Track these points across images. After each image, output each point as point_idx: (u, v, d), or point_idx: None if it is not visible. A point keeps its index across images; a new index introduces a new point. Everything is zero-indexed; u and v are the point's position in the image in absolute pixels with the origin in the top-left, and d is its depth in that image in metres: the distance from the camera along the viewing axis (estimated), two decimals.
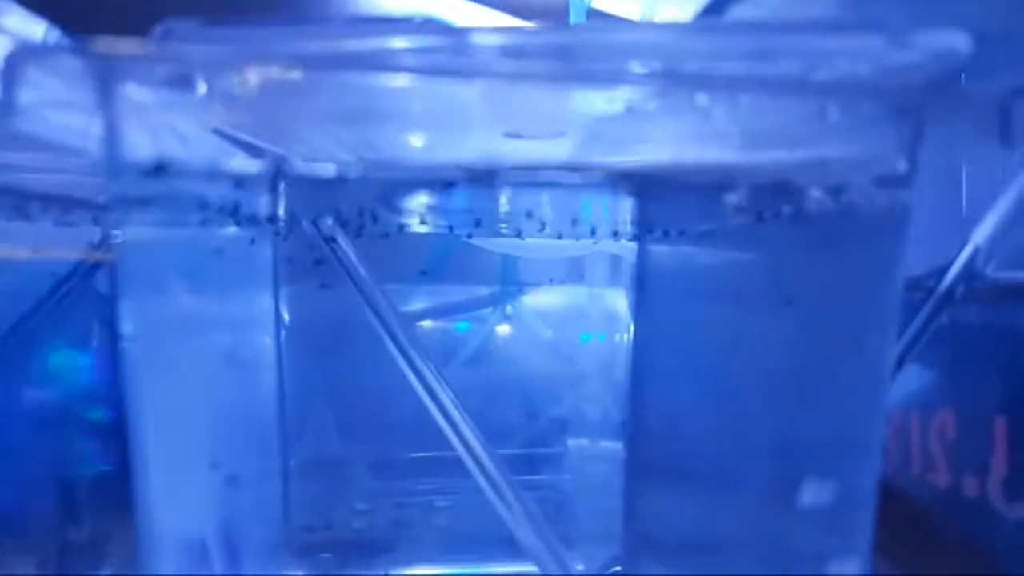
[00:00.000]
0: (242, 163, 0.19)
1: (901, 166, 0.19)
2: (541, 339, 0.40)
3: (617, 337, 0.39)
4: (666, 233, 0.32)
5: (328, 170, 0.19)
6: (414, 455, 0.38)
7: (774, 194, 0.21)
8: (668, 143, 0.19)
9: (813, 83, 0.18)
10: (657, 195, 0.27)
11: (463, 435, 0.28)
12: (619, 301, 0.39)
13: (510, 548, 0.36)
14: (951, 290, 0.28)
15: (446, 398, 0.28)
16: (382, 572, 0.36)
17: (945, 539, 0.33)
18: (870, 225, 0.21)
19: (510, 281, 0.40)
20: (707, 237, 0.31)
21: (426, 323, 0.41)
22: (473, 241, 0.37)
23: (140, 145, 0.19)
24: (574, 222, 0.32)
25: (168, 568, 0.24)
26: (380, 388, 0.37)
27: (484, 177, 0.20)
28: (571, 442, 0.39)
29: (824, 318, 0.25)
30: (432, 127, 0.19)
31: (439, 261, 0.38)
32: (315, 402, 0.37)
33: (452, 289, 0.41)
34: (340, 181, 0.23)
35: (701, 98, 0.17)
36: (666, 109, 0.18)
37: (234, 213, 0.26)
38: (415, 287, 0.39)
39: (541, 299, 0.41)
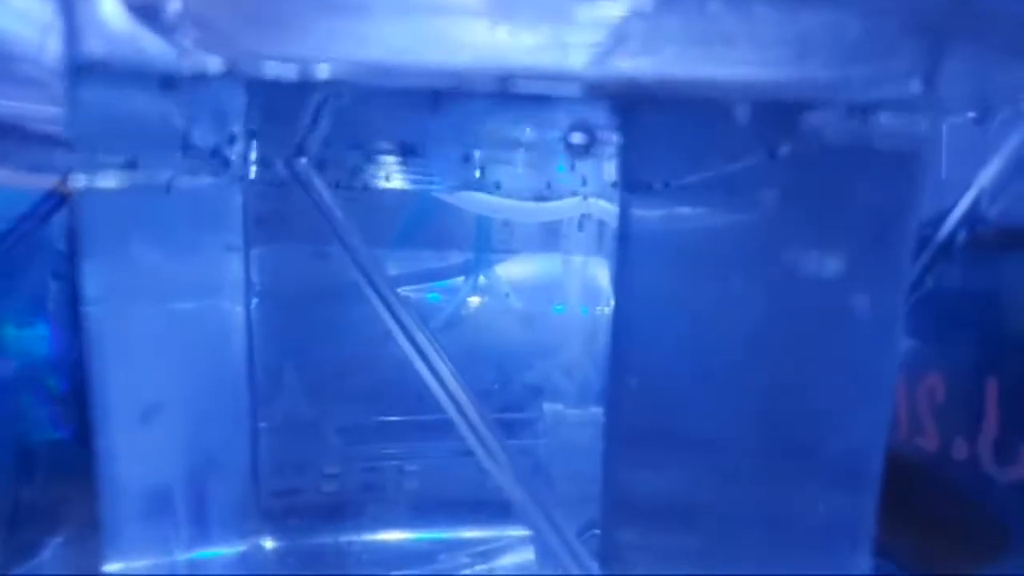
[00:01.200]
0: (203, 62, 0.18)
1: (918, 87, 0.18)
2: (514, 308, 0.39)
3: (597, 309, 0.38)
4: (650, 186, 0.31)
5: (291, 71, 0.18)
6: (384, 419, 0.37)
7: (782, 120, 0.20)
8: (674, 51, 0.18)
9: None
10: (652, 131, 0.26)
11: (444, 382, 0.28)
12: (599, 271, 0.38)
13: (480, 512, 0.36)
14: (953, 236, 0.27)
15: (430, 350, 0.28)
16: (351, 537, 0.35)
17: (934, 502, 0.32)
18: (885, 158, 0.20)
19: (485, 248, 0.39)
20: (696, 190, 0.30)
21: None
22: (451, 199, 0.36)
23: (99, 46, 0.18)
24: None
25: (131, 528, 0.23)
26: (351, 351, 0.36)
27: (475, 84, 0.19)
28: (546, 406, 0.38)
29: (831, 270, 0.24)
30: (412, 27, 0.18)
31: (413, 225, 0.37)
32: (285, 365, 0.36)
33: (426, 255, 0.40)
34: (310, 95, 0.22)
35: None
36: (674, 10, 0.17)
37: (194, 146, 0.25)
38: (388, 252, 0.38)
39: (516, 268, 0.40)
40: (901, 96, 0.18)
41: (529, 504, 0.27)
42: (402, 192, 0.35)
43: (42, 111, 0.28)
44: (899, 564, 0.33)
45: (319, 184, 0.27)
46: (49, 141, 0.31)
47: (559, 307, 0.39)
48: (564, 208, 0.37)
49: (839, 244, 0.22)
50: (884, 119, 0.19)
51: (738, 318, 0.29)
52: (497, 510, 0.36)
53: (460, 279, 0.40)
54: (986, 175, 0.27)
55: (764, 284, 0.27)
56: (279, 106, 0.25)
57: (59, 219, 0.33)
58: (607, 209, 0.37)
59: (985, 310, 0.31)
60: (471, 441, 0.27)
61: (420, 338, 0.28)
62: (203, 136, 0.26)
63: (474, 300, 0.39)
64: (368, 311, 0.36)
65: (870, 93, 0.19)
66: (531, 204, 0.37)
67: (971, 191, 0.27)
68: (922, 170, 0.19)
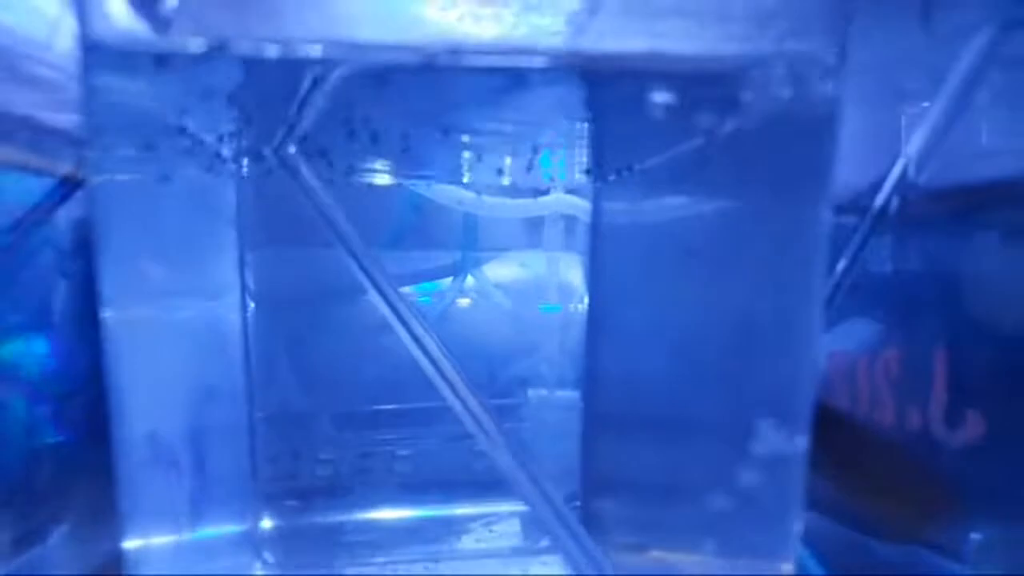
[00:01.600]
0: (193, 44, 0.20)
1: (830, 58, 0.21)
2: (499, 305, 0.41)
3: (572, 306, 0.40)
4: (619, 172, 0.34)
5: (272, 50, 0.20)
6: (375, 408, 0.38)
7: (721, 95, 0.23)
8: (623, 25, 0.20)
9: None
10: (615, 115, 0.28)
11: (442, 370, 0.29)
12: (573, 268, 0.40)
13: (468, 491, 0.38)
14: (886, 204, 0.29)
15: (427, 339, 0.29)
16: (344, 517, 0.37)
17: (891, 468, 0.34)
18: (804, 121, 0.22)
19: (471, 247, 0.41)
20: (654, 175, 0.32)
21: None
22: (428, 192, 0.38)
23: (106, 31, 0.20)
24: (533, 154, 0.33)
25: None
26: (342, 346, 0.38)
27: (442, 58, 0.21)
28: (530, 392, 0.40)
29: (760, 237, 0.26)
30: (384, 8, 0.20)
31: (399, 226, 0.39)
32: (280, 358, 0.37)
33: (414, 255, 0.42)
34: (295, 77, 0.24)
35: None
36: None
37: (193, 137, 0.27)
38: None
39: (501, 267, 0.42)
40: (815, 63, 0.21)
41: (524, 479, 0.28)
42: (385, 192, 0.37)
43: (51, 105, 0.30)
44: (859, 527, 0.36)
45: (308, 174, 0.28)
46: (59, 135, 0.33)
47: (544, 306, 0.41)
48: (541, 205, 0.39)
49: (766, 209, 0.25)
50: (801, 86, 0.22)
51: (690, 301, 0.32)
52: (483, 489, 0.38)
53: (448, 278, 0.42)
54: (913, 144, 0.29)
55: (712, 263, 0.29)
56: (267, 94, 0.27)
57: (66, 218, 0.34)
58: (581, 206, 0.39)
59: (930, 285, 0.32)
60: (469, 424, 0.28)
61: (417, 328, 0.29)
62: (198, 127, 0.28)
63: (462, 300, 0.41)
64: (358, 306, 0.38)
65: (788, 63, 0.21)
66: (508, 200, 0.39)
67: (899, 160, 0.30)
68: (836, 130, 0.22)
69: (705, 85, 0.23)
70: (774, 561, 0.26)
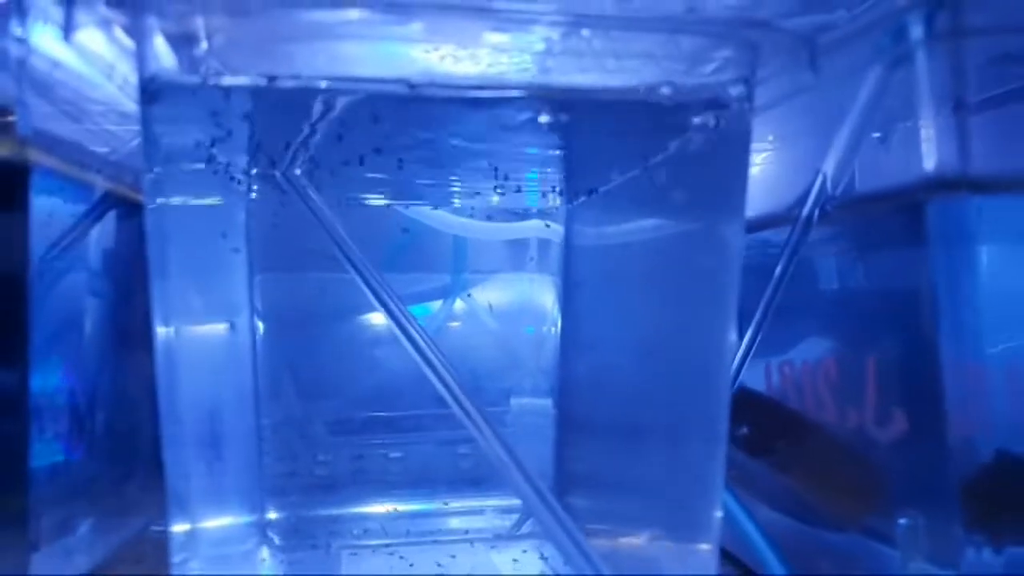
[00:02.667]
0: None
1: (743, 91, 0.25)
2: (485, 324, 0.45)
3: (547, 327, 0.44)
4: (587, 194, 0.38)
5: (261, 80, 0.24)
6: (369, 415, 0.42)
7: (652, 122, 0.27)
8: (578, 64, 0.25)
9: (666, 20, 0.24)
10: (577, 135, 0.32)
11: (435, 367, 0.31)
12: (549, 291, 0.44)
13: (455, 488, 0.41)
14: (810, 215, 0.33)
15: (422, 340, 0.31)
16: (342, 510, 0.40)
17: (835, 463, 0.37)
18: (724, 141, 0.27)
19: (460, 270, 0.45)
20: (614, 196, 0.37)
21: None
22: (419, 217, 0.41)
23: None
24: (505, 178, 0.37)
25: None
26: (339, 357, 0.42)
27: (427, 90, 0.25)
28: (513, 400, 0.44)
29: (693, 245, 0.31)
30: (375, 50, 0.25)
31: (392, 249, 0.42)
32: (284, 371, 0.41)
33: (406, 277, 0.44)
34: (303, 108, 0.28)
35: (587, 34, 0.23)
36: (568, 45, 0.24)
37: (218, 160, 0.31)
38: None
39: (486, 288, 0.45)
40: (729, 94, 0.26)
41: (517, 476, 0.30)
42: (378, 217, 0.41)
43: (96, 135, 0.35)
44: (807, 519, 0.39)
45: (314, 194, 0.32)
46: (98, 158, 0.36)
47: (523, 325, 0.45)
48: (520, 228, 0.43)
49: (695, 228, 0.29)
50: (719, 113, 0.26)
51: (634, 318, 0.37)
52: (468, 486, 0.42)
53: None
54: (829, 160, 0.34)
55: (649, 283, 0.35)
56: (277, 124, 0.31)
57: (96, 240, 0.37)
58: (554, 229, 0.43)
59: (858, 297, 0.36)
60: (468, 426, 0.30)
61: (420, 340, 0.31)
62: (222, 153, 0.32)
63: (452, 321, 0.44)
64: (355, 323, 0.42)
65: (710, 95, 0.26)
66: (492, 224, 0.43)
67: (819, 175, 0.34)
68: (748, 146, 0.26)
69: (646, 114, 0.28)
70: (698, 543, 0.30)
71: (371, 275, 0.32)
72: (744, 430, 0.43)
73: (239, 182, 0.35)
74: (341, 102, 0.27)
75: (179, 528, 0.28)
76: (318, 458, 0.41)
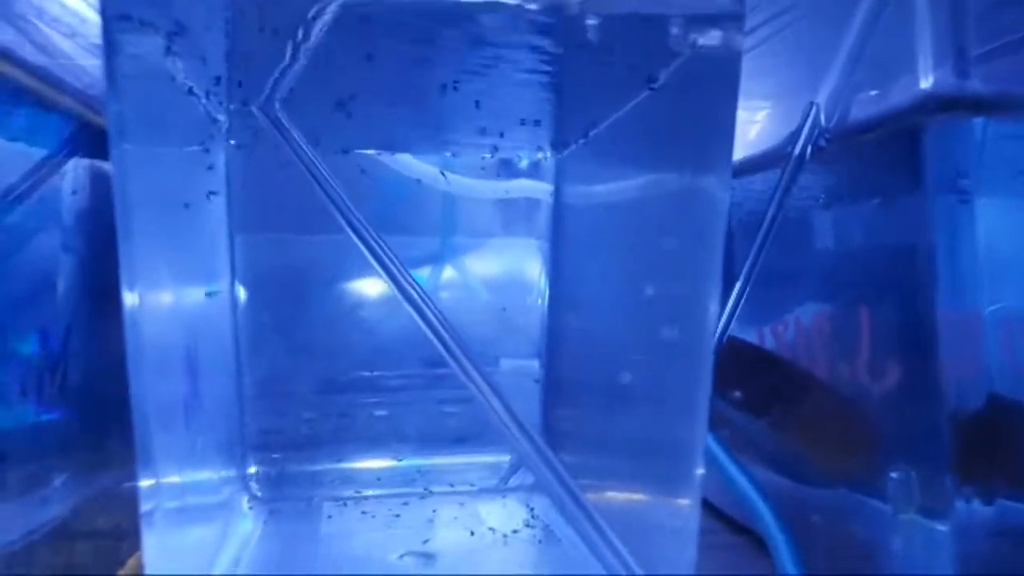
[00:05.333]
0: None
1: (737, 7, 0.25)
2: (476, 291, 0.44)
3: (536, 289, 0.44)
4: (577, 140, 0.37)
5: None
6: (354, 375, 0.42)
7: (646, 42, 0.27)
8: None
9: None
10: (569, 64, 0.31)
11: (432, 324, 0.30)
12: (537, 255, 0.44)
13: (441, 445, 0.41)
14: (804, 150, 0.33)
15: (418, 296, 0.30)
16: (325, 465, 0.40)
17: (830, 417, 0.37)
18: (714, 62, 0.27)
19: (448, 233, 0.44)
20: (603, 144, 0.37)
21: None
22: (407, 171, 0.41)
23: None
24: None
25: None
26: (324, 319, 0.41)
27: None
28: (502, 362, 0.43)
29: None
30: None
31: (381, 211, 0.42)
32: (267, 332, 0.41)
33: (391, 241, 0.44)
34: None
35: None
36: None
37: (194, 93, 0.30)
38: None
39: (476, 252, 0.45)
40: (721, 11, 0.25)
41: (515, 429, 0.30)
42: (367, 176, 0.41)
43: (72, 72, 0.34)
44: (795, 476, 0.39)
45: (296, 132, 0.30)
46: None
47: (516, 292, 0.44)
48: (510, 187, 0.43)
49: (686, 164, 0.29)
50: (710, 32, 0.26)
51: (620, 278, 0.37)
52: (454, 443, 0.42)
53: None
54: (822, 93, 0.33)
55: (634, 242, 0.34)
56: (256, 52, 0.29)
57: (69, 196, 0.36)
58: (543, 188, 0.43)
59: (851, 248, 0.36)
60: (465, 382, 0.30)
61: (415, 294, 0.30)
62: (198, 87, 0.31)
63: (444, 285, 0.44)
64: (342, 285, 0.41)
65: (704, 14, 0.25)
66: (482, 182, 0.42)
67: (812, 109, 0.33)
68: (739, 68, 0.26)
69: (637, 31, 0.27)
70: (681, 498, 0.30)
71: (363, 227, 0.31)
72: (738, 394, 0.43)
73: (216, 121, 0.35)
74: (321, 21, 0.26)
75: (147, 482, 0.27)
76: (303, 416, 0.41)
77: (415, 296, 0.30)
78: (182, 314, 0.33)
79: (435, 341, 0.30)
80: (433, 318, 0.30)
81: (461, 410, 0.42)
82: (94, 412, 0.37)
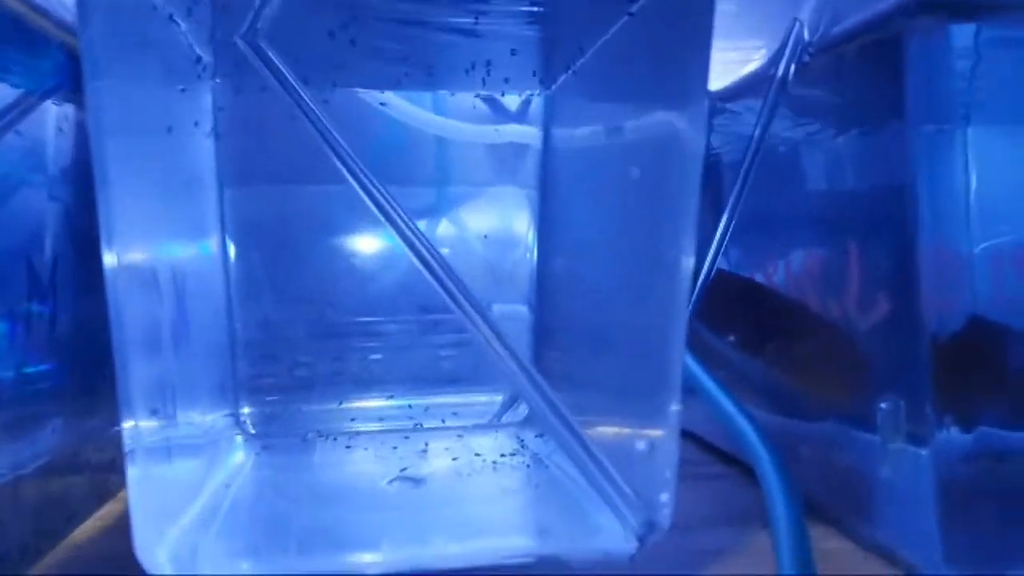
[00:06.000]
0: None
1: None
2: (467, 239, 0.44)
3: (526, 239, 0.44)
4: (564, 71, 0.37)
5: None
6: (349, 320, 0.42)
7: None
8: None
9: None
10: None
11: (431, 266, 0.30)
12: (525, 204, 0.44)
13: (437, 385, 0.41)
14: (787, 70, 0.33)
15: (416, 239, 0.30)
16: (320, 406, 0.40)
17: (824, 348, 0.37)
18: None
19: (440, 182, 0.44)
20: (588, 79, 0.37)
21: None
22: (395, 113, 0.41)
23: None
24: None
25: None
26: (317, 266, 0.41)
27: None
28: (495, 306, 0.44)
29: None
30: None
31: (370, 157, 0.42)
32: (261, 277, 0.41)
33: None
34: None
35: None
36: None
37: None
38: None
39: (466, 201, 0.45)
40: None
41: (516, 368, 0.30)
42: (358, 122, 0.40)
43: None
44: (786, 412, 0.39)
45: (280, 63, 0.29)
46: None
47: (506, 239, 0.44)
48: (499, 132, 0.43)
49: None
50: None
51: (603, 223, 0.37)
52: (449, 384, 0.42)
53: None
54: (804, 8, 0.33)
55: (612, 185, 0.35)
56: None
57: (54, 144, 0.35)
58: (532, 132, 0.43)
59: (837, 180, 0.36)
60: (467, 324, 0.30)
61: (412, 236, 0.30)
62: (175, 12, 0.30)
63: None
64: (334, 232, 0.41)
65: None
66: (472, 125, 0.42)
67: (794, 26, 0.33)
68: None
69: None
70: (658, 430, 0.30)
71: (357, 167, 0.31)
72: (733, 338, 0.43)
73: (199, 61, 0.34)
74: None
75: (129, 423, 0.27)
76: (297, 360, 0.41)
77: (413, 239, 0.30)
78: (167, 265, 0.33)
79: (436, 285, 0.30)
80: (433, 261, 0.30)
81: (455, 354, 0.42)
82: (85, 361, 0.38)
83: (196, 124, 0.36)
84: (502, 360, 0.30)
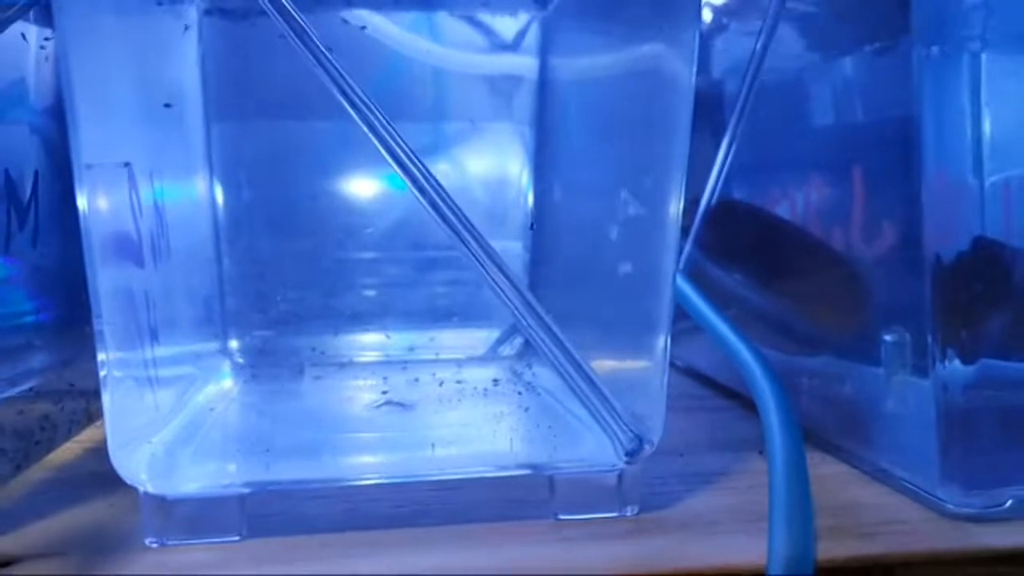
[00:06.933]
0: None
1: None
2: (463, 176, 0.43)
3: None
4: None
5: None
6: (340, 258, 0.40)
7: None
8: None
9: None
10: None
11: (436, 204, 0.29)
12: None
13: (431, 319, 0.40)
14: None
15: (417, 170, 0.29)
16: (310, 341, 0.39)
17: (828, 282, 0.37)
18: None
19: (436, 118, 0.43)
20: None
21: None
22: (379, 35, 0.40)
23: None
24: None
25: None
26: (308, 201, 0.40)
27: None
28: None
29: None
30: None
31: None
32: (249, 211, 0.39)
33: None
34: None
35: None
36: None
37: None
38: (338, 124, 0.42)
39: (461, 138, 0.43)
40: None
41: (519, 301, 0.30)
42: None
43: None
44: (786, 349, 0.38)
45: None
46: None
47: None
48: (494, 62, 0.41)
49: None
50: None
51: (598, 157, 0.36)
52: (444, 318, 0.41)
53: None
54: None
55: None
56: None
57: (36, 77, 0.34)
58: (528, 63, 0.41)
59: (842, 109, 0.34)
60: (469, 258, 0.29)
61: (408, 161, 0.29)
62: None
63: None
64: (327, 169, 0.40)
65: None
66: (469, 55, 0.41)
67: None
68: None
69: None
70: (650, 362, 0.30)
71: (359, 97, 0.29)
72: (739, 276, 0.43)
73: None
74: None
75: (102, 356, 0.27)
76: (288, 295, 0.40)
77: (415, 171, 0.29)
78: (146, 196, 0.31)
79: (437, 218, 0.29)
80: (434, 194, 0.29)
81: (450, 291, 0.41)
82: (70, 299, 0.37)
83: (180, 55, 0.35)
84: (501, 290, 0.30)
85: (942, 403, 0.29)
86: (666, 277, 0.30)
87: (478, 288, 0.41)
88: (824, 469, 0.33)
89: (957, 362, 0.29)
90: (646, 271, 0.31)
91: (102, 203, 0.27)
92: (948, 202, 0.28)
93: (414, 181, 0.29)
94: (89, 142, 0.26)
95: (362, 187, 0.41)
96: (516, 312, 0.30)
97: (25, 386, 0.33)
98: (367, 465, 0.29)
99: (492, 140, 0.42)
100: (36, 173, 0.34)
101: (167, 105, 0.33)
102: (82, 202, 0.26)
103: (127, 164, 0.29)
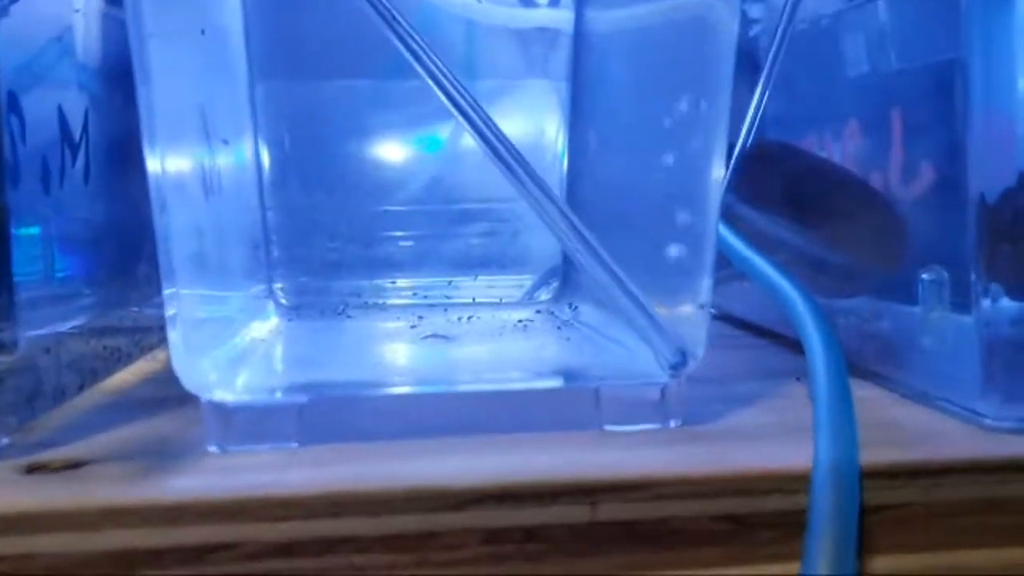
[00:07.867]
0: None
1: None
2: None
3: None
4: None
5: None
6: (378, 210, 0.41)
7: None
8: None
9: None
10: None
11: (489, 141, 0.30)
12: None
13: (469, 266, 0.41)
14: None
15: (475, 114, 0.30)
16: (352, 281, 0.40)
17: (865, 221, 0.38)
18: None
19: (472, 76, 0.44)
20: None
21: None
22: None
23: None
24: None
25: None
26: (350, 158, 0.41)
27: None
28: None
29: None
30: None
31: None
32: (290, 170, 0.40)
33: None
34: None
35: None
36: None
37: None
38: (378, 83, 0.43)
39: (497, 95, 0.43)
40: None
41: (577, 242, 0.30)
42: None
43: None
44: (823, 291, 0.38)
45: None
46: None
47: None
48: (530, 16, 0.41)
49: None
50: None
51: (639, 106, 0.37)
52: (480, 265, 0.42)
53: None
54: None
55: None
56: None
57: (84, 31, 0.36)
58: (565, 17, 0.41)
59: (884, 58, 0.35)
60: (526, 199, 0.30)
61: (465, 104, 0.29)
62: None
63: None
64: (368, 127, 0.41)
65: None
66: (503, 8, 0.42)
67: None
68: None
69: None
70: (693, 306, 0.31)
71: (422, 48, 0.29)
72: (771, 210, 0.43)
73: None
74: None
75: (169, 290, 0.28)
76: (328, 245, 0.41)
77: (479, 122, 0.30)
78: (205, 158, 0.33)
79: (502, 167, 0.30)
80: (498, 143, 0.29)
81: (485, 241, 0.42)
82: (121, 241, 0.38)
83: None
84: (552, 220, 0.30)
85: (986, 338, 0.29)
86: (708, 238, 0.30)
87: (513, 238, 0.42)
88: (862, 392, 0.33)
89: (1004, 299, 0.29)
90: (687, 229, 0.31)
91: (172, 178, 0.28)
92: (994, 139, 0.29)
93: (480, 133, 0.29)
94: (160, 88, 0.27)
95: (401, 144, 0.41)
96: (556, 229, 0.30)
97: (79, 320, 0.34)
98: (418, 373, 0.29)
99: (527, 97, 0.43)
100: (86, 111, 0.35)
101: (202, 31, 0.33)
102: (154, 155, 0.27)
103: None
